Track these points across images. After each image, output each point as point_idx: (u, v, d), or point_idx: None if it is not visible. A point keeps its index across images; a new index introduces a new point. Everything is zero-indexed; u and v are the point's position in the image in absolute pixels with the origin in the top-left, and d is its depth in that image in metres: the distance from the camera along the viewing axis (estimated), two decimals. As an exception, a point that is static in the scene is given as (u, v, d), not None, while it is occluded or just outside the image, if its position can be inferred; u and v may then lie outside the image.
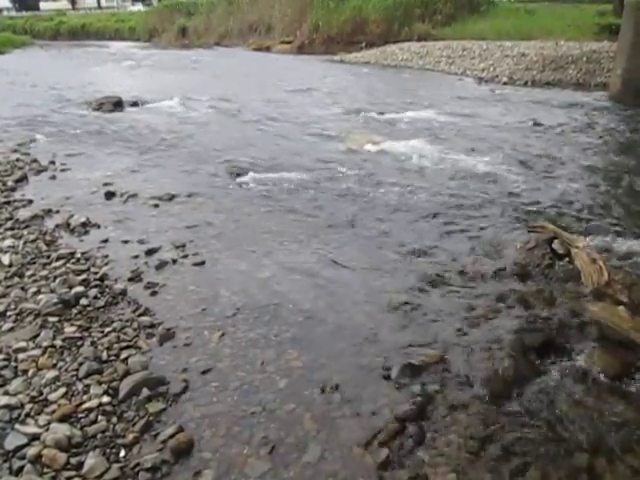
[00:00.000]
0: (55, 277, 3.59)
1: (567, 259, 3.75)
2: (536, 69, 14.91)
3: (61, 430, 2.28)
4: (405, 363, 2.67)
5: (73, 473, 2.11)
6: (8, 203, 5.09)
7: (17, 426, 2.32)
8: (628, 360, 2.74)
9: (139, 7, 73.63)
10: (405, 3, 25.19)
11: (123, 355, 2.79)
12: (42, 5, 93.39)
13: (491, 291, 3.41)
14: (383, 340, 2.92)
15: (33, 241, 4.21)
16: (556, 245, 3.90)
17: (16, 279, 3.59)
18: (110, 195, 5.24)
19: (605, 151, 7.17)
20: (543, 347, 2.83)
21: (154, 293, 3.41)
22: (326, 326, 3.06)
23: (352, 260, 3.88)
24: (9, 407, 2.42)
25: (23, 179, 5.85)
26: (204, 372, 2.68)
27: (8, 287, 3.47)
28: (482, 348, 2.82)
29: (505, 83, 14.47)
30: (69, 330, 3.01)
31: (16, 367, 2.71)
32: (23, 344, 2.87)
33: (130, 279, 3.57)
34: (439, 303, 3.27)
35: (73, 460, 2.17)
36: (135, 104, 10.72)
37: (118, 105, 10.39)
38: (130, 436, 2.28)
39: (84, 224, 4.50)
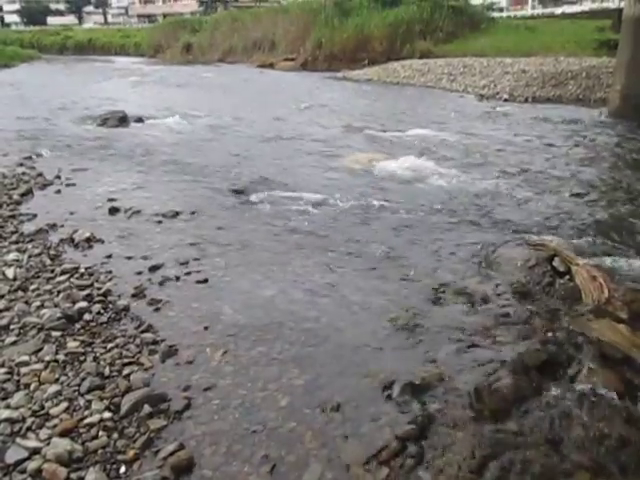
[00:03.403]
0: (59, 292, 3.61)
1: (567, 276, 3.76)
2: (536, 85, 15.05)
3: (62, 445, 2.29)
4: (406, 382, 2.67)
5: (73, 488, 2.12)
6: (13, 217, 5.13)
7: (18, 440, 2.33)
8: (629, 378, 2.75)
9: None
10: (407, 21, 25.49)
11: (125, 371, 2.80)
12: (49, 20, 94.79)
13: (492, 309, 3.42)
14: (384, 359, 2.93)
15: (37, 255, 4.23)
16: (556, 262, 3.91)
17: (20, 293, 3.61)
18: (114, 211, 5.27)
19: (605, 167, 7.23)
20: (544, 366, 2.83)
21: (157, 310, 3.43)
22: (328, 345, 3.07)
23: (354, 279, 3.89)
24: (10, 420, 2.43)
25: (28, 193, 5.89)
26: (206, 389, 2.68)
27: (12, 301, 3.49)
28: (483, 367, 2.82)
29: (506, 100, 14.59)
30: (72, 345, 3.02)
31: (18, 381, 2.72)
32: (26, 358, 2.89)
33: (133, 295, 3.59)
34: (440, 322, 3.28)
35: (73, 475, 2.17)
36: (140, 120, 10.82)
37: (123, 121, 10.49)
38: (131, 452, 2.29)
39: (88, 239, 4.53)
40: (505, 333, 3.16)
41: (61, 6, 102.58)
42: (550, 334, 3.12)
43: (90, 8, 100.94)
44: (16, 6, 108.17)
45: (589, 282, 3.57)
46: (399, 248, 4.44)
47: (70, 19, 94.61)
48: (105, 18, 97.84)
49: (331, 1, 34.29)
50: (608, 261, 4.11)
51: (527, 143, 8.72)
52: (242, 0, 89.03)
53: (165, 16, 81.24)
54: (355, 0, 31.28)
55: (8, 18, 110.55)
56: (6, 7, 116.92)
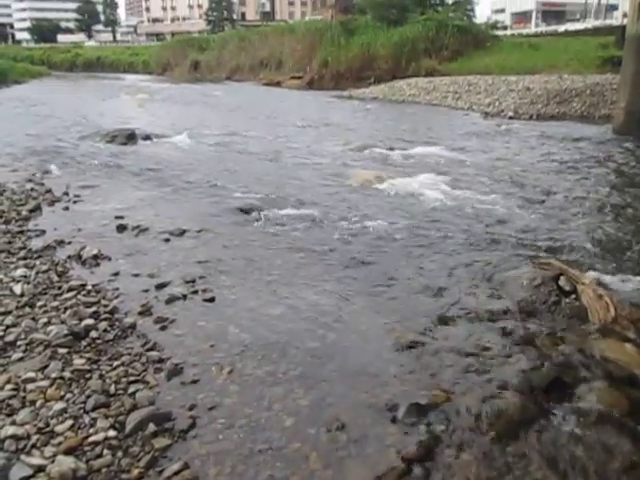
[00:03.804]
0: (66, 308, 3.62)
1: (573, 296, 3.75)
2: (541, 103, 15.16)
3: (66, 463, 2.28)
4: (412, 403, 2.66)
5: (78, 507, 2.12)
6: (22, 232, 5.17)
7: (23, 457, 2.33)
8: (636, 398, 2.73)
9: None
10: (412, 39, 25.77)
11: (131, 389, 2.80)
12: (59, 37, 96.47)
13: (498, 329, 3.41)
14: (390, 379, 2.92)
15: (45, 271, 4.25)
16: (562, 282, 3.90)
17: (27, 309, 3.63)
18: (122, 228, 5.30)
19: (610, 185, 7.23)
20: (550, 386, 2.82)
21: (163, 328, 3.44)
22: (333, 364, 3.07)
23: (360, 298, 3.90)
24: (15, 437, 2.43)
25: (37, 209, 5.93)
26: (211, 409, 2.68)
27: (19, 317, 3.50)
28: (489, 387, 2.81)
29: (511, 117, 14.69)
30: (78, 362, 3.03)
31: (24, 397, 2.72)
32: (32, 374, 2.89)
33: (140, 313, 3.60)
34: (445, 341, 3.28)
35: (77, 494, 2.17)
36: (148, 137, 10.93)
37: (131, 138, 10.59)
38: (135, 471, 2.28)
39: (95, 256, 4.56)
40: (511, 353, 3.15)
41: (71, 24, 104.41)
42: (556, 354, 3.11)
43: (100, 26, 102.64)
44: (27, 24, 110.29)
45: (595, 301, 3.56)
46: (404, 267, 4.44)
47: (80, 37, 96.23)
48: (114, 36, 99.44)
49: (337, 21, 34.82)
50: (614, 280, 4.11)
51: (533, 161, 8.75)
52: (249, 19, 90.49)
53: (173, 34, 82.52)
54: (361, 20, 31.81)
55: (19, 35, 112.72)
56: (17, 25, 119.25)
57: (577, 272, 4.03)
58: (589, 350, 3.14)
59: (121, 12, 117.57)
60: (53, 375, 2.89)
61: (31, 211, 5.84)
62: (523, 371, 2.94)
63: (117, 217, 5.60)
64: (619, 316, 3.40)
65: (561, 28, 38.22)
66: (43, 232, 5.20)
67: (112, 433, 2.49)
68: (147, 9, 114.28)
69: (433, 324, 3.50)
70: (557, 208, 6.09)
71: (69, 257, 4.57)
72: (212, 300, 3.84)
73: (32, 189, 6.69)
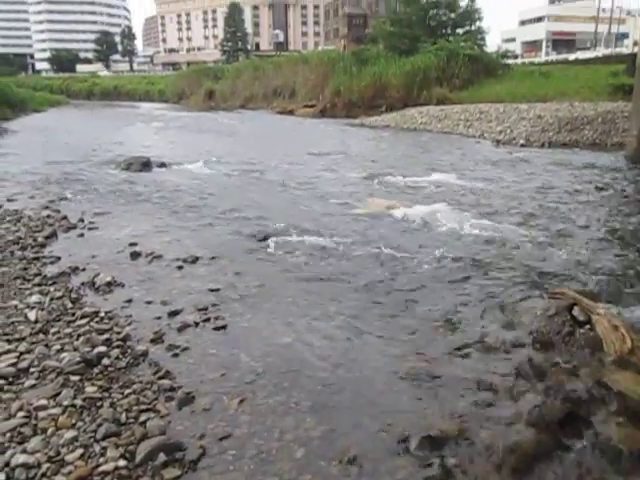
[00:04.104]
0: (79, 335, 3.65)
1: (588, 326, 3.70)
2: (552, 130, 15.20)
3: (76, 493, 2.29)
4: (424, 435, 2.63)
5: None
6: (37, 259, 5.23)
7: (33, 487, 2.33)
8: (655, 434, 2.67)
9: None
10: (424, 68, 26.09)
11: (142, 418, 2.80)
12: (78, 67, 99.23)
13: (511, 360, 3.37)
14: (402, 410, 2.89)
15: (59, 298, 4.30)
16: (576, 312, 3.85)
17: (41, 336, 3.66)
18: (135, 255, 5.35)
19: (625, 214, 7.19)
20: (565, 420, 2.77)
21: (175, 355, 3.44)
22: (345, 395, 3.04)
23: (372, 327, 3.88)
24: (26, 466, 2.43)
25: (52, 236, 6.02)
26: (222, 439, 2.66)
27: (33, 343, 3.53)
28: (502, 420, 2.77)
29: (522, 145, 14.72)
30: (90, 390, 3.04)
31: (36, 425, 2.73)
32: (44, 402, 2.90)
33: (152, 340, 3.61)
34: (458, 372, 3.24)
35: (86, 525, 2.16)
36: (162, 165, 11.09)
37: (146, 165, 10.76)
38: (145, 503, 2.28)
39: (109, 283, 4.60)
40: (525, 385, 3.10)
41: (90, 54, 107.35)
42: (571, 386, 3.06)
43: (117, 56, 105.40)
44: (47, 54, 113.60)
45: (610, 332, 3.51)
46: (417, 295, 4.42)
47: (98, 67, 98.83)
48: (131, 66, 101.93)
49: (349, 51, 35.45)
50: (629, 310, 4.05)
51: (545, 189, 8.73)
52: (263, 49, 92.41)
53: (189, 64, 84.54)
54: (373, 50, 32.36)
55: (39, 65, 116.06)
56: (37, 55, 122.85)
57: (591, 302, 3.98)
58: (605, 383, 3.08)
59: (138, 43, 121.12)
60: (65, 403, 2.90)
61: (47, 237, 5.92)
62: (537, 404, 2.89)
63: (131, 244, 5.66)
64: (636, 347, 3.34)
65: (572, 56, 38.55)
66: (58, 258, 5.26)
67: (122, 463, 2.48)
68: (164, 40, 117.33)
69: (446, 354, 3.47)
70: (570, 236, 6.05)
71: (83, 284, 4.62)
72: (224, 328, 3.84)
73: (48, 216, 6.80)
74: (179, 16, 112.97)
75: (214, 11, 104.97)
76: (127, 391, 3.03)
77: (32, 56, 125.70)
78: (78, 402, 2.91)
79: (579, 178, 9.75)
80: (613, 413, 2.84)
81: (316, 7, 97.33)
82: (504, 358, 3.41)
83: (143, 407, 2.90)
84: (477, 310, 4.13)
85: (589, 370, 3.25)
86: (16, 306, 4.09)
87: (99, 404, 2.91)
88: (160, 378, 3.17)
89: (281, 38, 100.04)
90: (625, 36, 50.00)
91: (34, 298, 4.25)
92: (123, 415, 2.81)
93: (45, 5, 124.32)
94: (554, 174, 10.21)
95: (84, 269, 4.97)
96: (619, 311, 4.00)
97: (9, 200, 7.66)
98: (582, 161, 11.71)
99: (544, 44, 65.56)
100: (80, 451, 2.56)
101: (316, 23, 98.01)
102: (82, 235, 6.11)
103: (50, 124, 23.67)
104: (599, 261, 5.19)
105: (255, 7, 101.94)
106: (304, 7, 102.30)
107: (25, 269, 4.93)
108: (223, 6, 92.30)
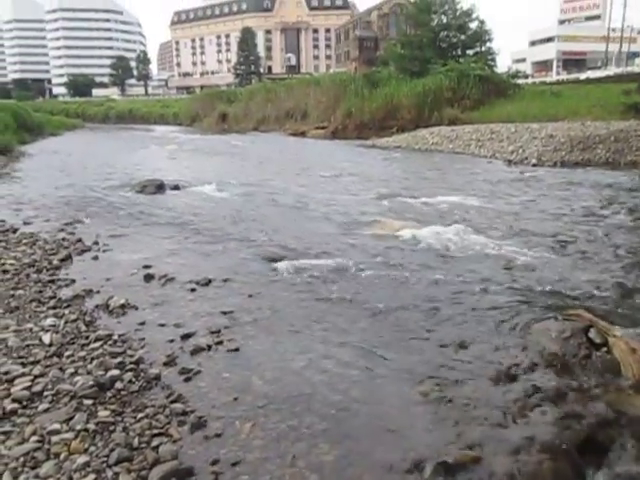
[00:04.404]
0: (92, 359, 3.66)
1: (605, 349, 3.65)
2: (564, 150, 15.14)
3: (87, 520, 2.28)
4: (439, 461, 2.59)
5: None
6: (52, 282, 5.28)
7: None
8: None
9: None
10: (435, 90, 26.24)
11: (154, 443, 2.79)
12: (94, 92, 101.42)
13: (527, 384, 3.31)
14: (416, 435, 2.85)
15: (73, 321, 4.32)
16: (592, 334, 3.80)
17: (55, 359, 3.68)
18: (149, 278, 5.38)
19: (639, 234, 7.11)
20: (583, 446, 2.72)
21: (188, 379, 3.44)
22: (358, 419, 3.01)
23: (385, 350, 3.85)
24: (39, 492, 2.44)
25: (68, 258, 6.07)
26: (234, 464, 2.64)
27: (47, 367, 3.55)
28: (519, 446, 2.72)
29: (534, 165, 14.68)
30: (102, 414, 3.04)
31: (49, 450, 2.73)
32: (57, 426, 2.91)
33: (165, 364, 3.62)
34: (473, 396, 3.20)
35: None
36: (176, 187, 11.22)
37: (160, 188, 10.88)
38: (157, 530, 2.26)
39: (123, 306, 4.62)
40: (541, 409, 3.05)
41: (105, 79, 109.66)
42: (589, 411, 3.00)
43: (133, 80, 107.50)
44: (64, 79, 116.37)
45: (628, 355, 3.46)
46: (430, 318, 4.39)
47: (113, 91, 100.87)
48: (146, 90, 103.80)
49: (361, 73, 35.85)
50: (648, 333, 3.99)
51: (559, 209, 8.67)
52: (276, 72, 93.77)
53: (202, 88, 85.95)
54: (384, 72, 32.68)
55: (56, 90, 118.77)
56: (55, 80, 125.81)
57: (608, 324, 3.92)
58: (623, 407, 3.02)
59: (153, 67, 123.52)
60: (78, 427, 2.90)
61: (62, 260, 5.98)
62: (555, 429, 2.84)
63: (145, 266, 5.70)
64: (654, 371, 3.29)
65: (583, 76, 38.58)
66: (73, 281, 5.30)
67: (134, 489, 2.47)
68: (178, 64, 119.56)
69: (460, 378, 3.42)
70: (584, 257, 5.99)
71: (97, 306, 4.65)
72: (236, 351, 3.84)
73: (63, 239, 6.88)
74: (193, 41, 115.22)
75: (227, 36, 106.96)
76: (140, 415, 3.03)
77: (50, 81, 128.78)
78: (91, 426, 2.92)
79: (593, 197, 9.68)
80: (632, 439, 2.78)
81: (327, 31, 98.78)
82: (519, 381, 3.36)
83: (155, 431, 2.89)
84: (491, 332, 4.09)
85: (607, 394, 3.20)
86: (31, 329, 4.12)
87: (112, 428, 2.91)
88: (172, 402, 3.17)
89: (293, 61, 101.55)
90: (636, 55, 50.09)
91: (49, 321, 4.28)
92: (135, 440, 2.81)
93: (63, 32, 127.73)
94: (568, 193, 10.15)
95: (98, 292, 5.00)
96: (637, 334, 3.93)
97: (25, 223, 7.77)
98: (595, 180, 11.65)
99: (554, 64, 65.77)
100: (92, 476, 2.55)
101: (327, 46, 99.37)
102: (96, 258, 6.16)
103: (66, 147, 24.08)
104: (615, 282, 5.12)
105: (268, 31, 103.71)
106: (315, 31, 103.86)
107: (40, 292, 4.97)
108: (236, 31, 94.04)
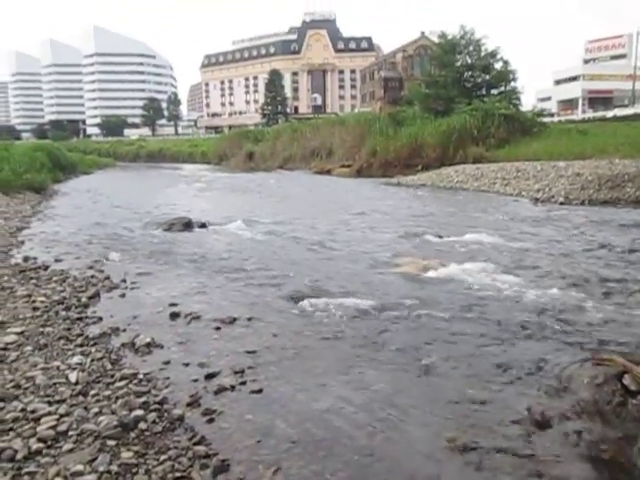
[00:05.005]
0: (117, 398, 3.66)
1: (641, 397, 3.52)
2: (592, 188, 14.96)
3: None
4: (467, 513, 2.51)
5: None
6: (80, 319, 5.34)
7: None
8: None
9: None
10: (459, 128, 26.41)
11: (176, 487, 2.76)
12: (125, 131, 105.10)
13: (558, 433, 3.20)
14: (443, 485, 2.77)
15: (99, 359, 4.35)
16: (627, 380, 3.67)
17: (80, 397, 3.69)
18: (175, 316, 5.42)
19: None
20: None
21: (211, 420, 3.41)
22: (383, 465, 2.94)
23: (411, 394, 3.77)
24: (59, 536, 2.42)
25: (96, 296, 6.15)
26: (256, 511, 2.60)
27: (72, 406, 3.56)
28: (551, 499, 2.61)
29: (562, 203, 14.52)
30: (125, 455, 3.02)
31: (72, 492, 2.73)
32: (80, 467, 2.89)
33: (188, 404, 3.60)
34: (503, 445, 3.09)
35: None
36: (203, 225, 11.37)
37: (187, 226, 11.05)
38: None
39: (148, 344, 4.65)
40: (574, 460, 2.94)
41: (137, 119, 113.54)
42: (624, 463, 2.88)
43: (163, 121, 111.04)
44: (97, 120, 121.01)
45: (665, 403, 3.32)
46: (457, 362, 4.29)
47: (144, 131, 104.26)
48: (176, 130, 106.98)
49: (385, 112, 36.39)
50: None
51: (588, 249, 8.52)
52: (302, 112, 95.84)
53: (230, 127, 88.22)
54: (409, 111, 33.13)
55: (90, 130, 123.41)
56: (89, 121, 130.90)
57: (643, 370, 3.79)
58: (662, 459, 2.89)
59: (183, 108, 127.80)
60: (101, 469, 2.89)
61: (90, 298, 6.07)
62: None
63: (171, 304, 5.74)
64: (694, 421, 3.14)
65: (609, 114, 38.43)
66: (100, 319, 5.37)
67: (155, 534, 2.44)
68: (207, 105, 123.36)
69: (489, 425, 3.32)
70: (614, 299, 5.83)
71: (123, 344, 4.68)
72: (260, 392, 3.80)
73: (92, 276, 6.99)
74: (222, 83, 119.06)
75: (255, 77, 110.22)
76: (162, 457, 3.00)
77: (84, 122, 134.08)
78: (114, 468, 2.90)
79: (622, 237, 9.49)
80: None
81: (353, 72, 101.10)
82: (550, 429, 3.25)
83: (178, 474, 2.85)
84: (520, 376, 3.98)
85: (643, 444, 3.06)
86: (58, 367, 4.16)
87: (134, 470, 2.89)
88: (195, 444, 3.14)
89: (319, 101, 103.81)
90: (664, 93, 49.80)
91: (76, 359, 4.31)
92: (158, 483, 2.78)
93: (98, 75, 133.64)
94: (596, 232, 9.98)
95: (124, 330, 5.05)
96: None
97: (56, 260, 7.94)
98: (624, 219, 11.44)
99: (580, 102, 65.78)
100: (114, 521, 2.53)
101: (353, 87, 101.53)
102: (124, 295, 6.24)
103: (97, 186, 24.75)
104: (648, 325, 4.97)
105: (294, 73, 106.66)
106: (341, 72, 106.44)
107: (69, 329, 5.04)
108: (264, 73, 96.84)
